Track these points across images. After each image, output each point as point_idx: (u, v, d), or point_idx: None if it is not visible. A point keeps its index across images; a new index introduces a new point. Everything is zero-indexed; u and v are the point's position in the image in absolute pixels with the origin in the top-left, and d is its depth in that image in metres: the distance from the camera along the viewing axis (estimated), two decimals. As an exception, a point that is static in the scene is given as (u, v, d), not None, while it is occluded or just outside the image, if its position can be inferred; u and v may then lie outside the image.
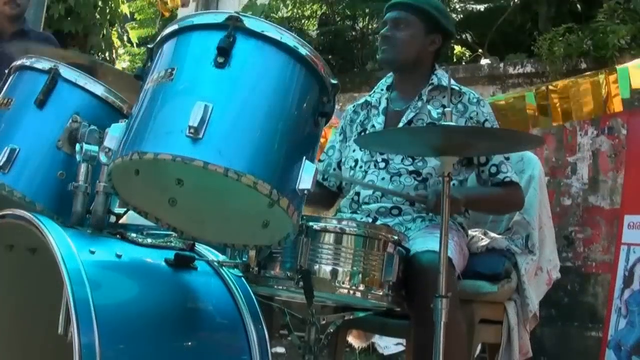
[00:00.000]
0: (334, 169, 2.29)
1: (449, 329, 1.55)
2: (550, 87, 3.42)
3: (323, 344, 1.70)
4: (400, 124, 2.14)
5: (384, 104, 2.23)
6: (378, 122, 2.20)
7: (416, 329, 1.81)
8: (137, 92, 1.46)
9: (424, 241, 1.85)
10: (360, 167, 2.15)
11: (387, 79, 2.29)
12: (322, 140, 2.11)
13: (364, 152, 2.16)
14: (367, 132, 2.19)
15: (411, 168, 2.08)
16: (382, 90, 2.27)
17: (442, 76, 2.20)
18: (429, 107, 2.14)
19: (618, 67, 3.28)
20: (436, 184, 2.05)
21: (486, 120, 2.14)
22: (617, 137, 4.24)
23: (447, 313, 1.53)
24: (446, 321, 1.53)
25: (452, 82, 2.21)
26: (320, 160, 2.30)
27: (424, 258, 1.76)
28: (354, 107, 2.32)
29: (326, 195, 2.32)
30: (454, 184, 2.07)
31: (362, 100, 2.32)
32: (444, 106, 2.08)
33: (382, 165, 2.12)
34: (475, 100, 2.15)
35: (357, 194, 2.13)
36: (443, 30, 2.20)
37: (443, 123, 1.60)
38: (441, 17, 2.19)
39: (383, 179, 2.10)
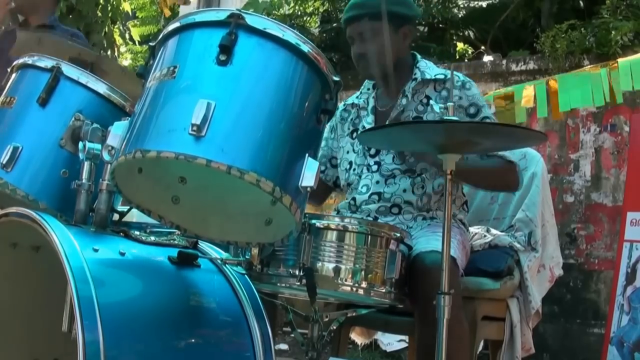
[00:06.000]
0: (325, 164, 2.26)
1: (452, 326, 1.54)
2: (550, 80, 3.41)
3: (326, 341, 1.71)
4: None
5: (372, 103, 2.18)
6: (368, 122, 2.16)
7: (419, 326, 1.81)
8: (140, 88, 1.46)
9: (427, 241, 1.84)
10: (354, 169, 2.13)
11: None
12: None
13: (357, 154, 2.13)
14: (359, 132, 2.12)
15: (404, 167, 2.05)
16: (368, 90, 2.23)
17: (425, 68, 2.11)
18: (432, 102, 2.12)
19: (620, 60, 3.27)
20: (434, 175, 2.02)
21: (472, 104, 2.03)
22: (619, 134, 4.23)
23: (449, 310, 1.53)
24: (449, 318, 1.52)
25: (439, 69, 2.14)
26: None
27: (428, 258, 1.75)
28: (344, 105, 2.28)
29: (321, 188, 2.30)
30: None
31: (350, 100, 2.27)
32: (428, 98, 2.06)
33: (374, 168, 2.09)
34: (459, 84, 2.04)
35: (354, 199, 2.10)
36: (409, 19, 2.10)
37: (445, 118, 1.59)
38: (401, 8, 2.07)
39: (377, 182, 2.06)
